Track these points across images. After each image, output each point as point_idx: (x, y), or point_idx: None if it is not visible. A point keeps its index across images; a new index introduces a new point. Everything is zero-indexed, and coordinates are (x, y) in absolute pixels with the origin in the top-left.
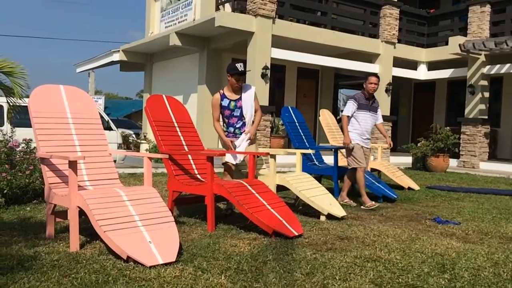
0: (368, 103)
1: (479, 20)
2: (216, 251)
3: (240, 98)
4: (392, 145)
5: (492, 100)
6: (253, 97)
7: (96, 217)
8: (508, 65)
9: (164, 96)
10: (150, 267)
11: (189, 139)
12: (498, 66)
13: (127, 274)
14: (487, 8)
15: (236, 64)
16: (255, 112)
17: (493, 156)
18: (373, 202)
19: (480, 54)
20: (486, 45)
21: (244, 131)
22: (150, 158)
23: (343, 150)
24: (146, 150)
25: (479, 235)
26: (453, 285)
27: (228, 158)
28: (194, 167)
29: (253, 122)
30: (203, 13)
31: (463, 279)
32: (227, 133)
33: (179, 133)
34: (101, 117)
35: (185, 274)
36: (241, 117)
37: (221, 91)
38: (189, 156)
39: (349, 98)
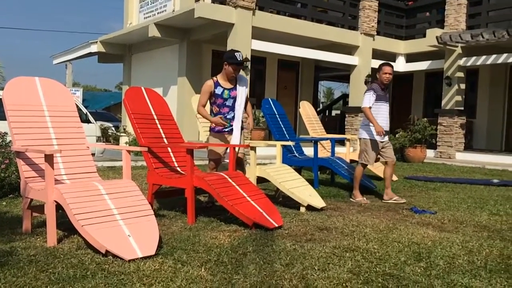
0: (384, 94)
1: (456, 12)
2: (196, 244)
3: (234, 88)
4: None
5: (468, 92)
6: (247, 89)
7: (73, 211)
8: (483, 57)
9: (143, 88)
10: (129, 260)
11: (168, 131)
12: (474, 58)
13: (106, 268)
14: (464, 0)
15: (235, 54)
16: (245, 103)
17: (469, 147)
18: (365, 199)
19: (457, 46)
20: (463, 37)
21: (233, 124)
22: (129, 151)
23: (323, 142)
24: (126, 143)
25: (454, 224)
26: (429, 273)
27: (214, 155)
28: (174, 160)
29: (244, 117)
30: (182, 4)
31: (438, 267)
32: (214, 126)
33: (159, 125)
34: (79, 109)
35: (164, 267)
36: (233, 108)
37: (215, 78)
38: (169, 149)
39: (366, 90)
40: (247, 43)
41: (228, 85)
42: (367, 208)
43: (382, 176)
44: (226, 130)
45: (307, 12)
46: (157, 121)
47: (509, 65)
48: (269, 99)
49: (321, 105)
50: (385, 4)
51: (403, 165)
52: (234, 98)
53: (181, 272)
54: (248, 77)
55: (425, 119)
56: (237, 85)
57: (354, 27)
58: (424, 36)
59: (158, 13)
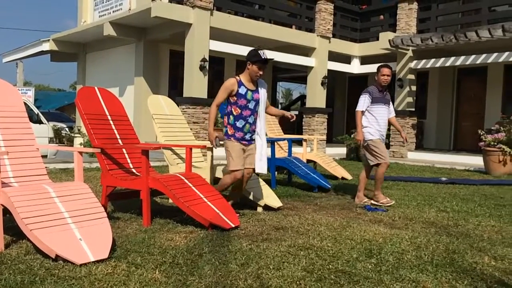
0: (382, 96)
1: (407, 17)
2: (151, 246)
3: (257, 91)
4: (407, 140)
5: (419, 93)
6: (266, 94)
7: (21, 215)
8: (433, 60)
9: (96, 88)
10: (81, 265)
11: (123, 132)
12: (424, 61)
13: (56, 274)
14: (415, 5)
15: (259, 51)
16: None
17: (419, 146)
18: (388, 199)
19: (408, 50)
20: (413, 41)
21: (254, 129)
22: (82, 153)
23: (280, 142)
24: (81, 144)
25: (404, 220)
26: (379, 269)
27: (236, 164)
28: (129, 161)
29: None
30: (139, 3)
31: (388, 263)
32: (234, 132)
33: (113, 126)
34: (30, 110)
35: (117, 271)
36: (255, 112)
37: (238, 77)
38: (124, 150)
39: (362, 92)
40: (205, 43)
41: (252, 87)
42: (322, 207)
43: (338, 175)
44: (247, 140)
45: (265, 13)
46: (111, 122)
47: (456, 68)
48: None
49: (279, 105)
50: (340, 7)
51: (358, 164)
52: (257, 101)
53: (135, 275)
54: (206, 78)
55: None
56: (258, 87)
57: (310, 29)
58: (378, 39)
59: (113, 11)
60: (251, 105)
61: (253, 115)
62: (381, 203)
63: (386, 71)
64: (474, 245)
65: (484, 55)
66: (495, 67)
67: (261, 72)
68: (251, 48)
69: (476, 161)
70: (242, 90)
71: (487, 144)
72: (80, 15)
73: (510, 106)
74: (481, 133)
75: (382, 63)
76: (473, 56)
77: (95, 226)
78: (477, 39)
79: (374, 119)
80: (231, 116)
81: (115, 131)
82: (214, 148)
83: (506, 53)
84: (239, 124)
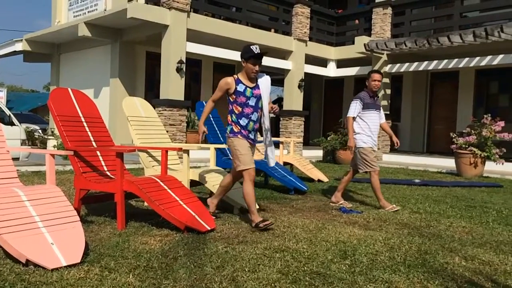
0: (373, 101)
1: (382, 21)
2: (125, 250)
3: (257, 87)
4: (399, 144)
5: (394, 97)
6: (269, 88)
7: None
8: (407, 64)
9: (69, 89)
10: (52, 270)
11: (97, 134)
12: (398, 65)
13: (26, 279)
14: (389, 10)
15: (251, 47)
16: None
17: (394, 149)
18: (394, 205)
19: (383, 54)
20: (388, 45)
21: (257, 127)
22: (53, 155)
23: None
24: (54, 146)
25: (379, 222)
26: (353, 270)
27: (247, 161)
28: (103, 163)
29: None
30: (114, 3)
31: (362, 264)
32: (239, 128)
33: (87, 128)
34: (1, 111)
35: (90, 275)
36: (257, 108)
37: (235, 76)
38: (98, 153)
39: (353, 98)
40: (182, 45)
41: (251, 84)
42: (298, 209)
43: (314, 178)
44: (252, 139)
45: (242, 16)
46: (85, 124)
47: (429, 72)
48: (204, 101)
49: None
50: (316, 11)
51: (334, 166)
52: (257, 98)
53: (108, 279)
54: (183, 80)
55: None
56: (259, 83)
57: (287, 33)
58: (353, 43)
59: (88, 12)
60: (252, 102)
61: (256, 112)
62: (387, 209)
63: (377, 76)
64: (445, 246)
65: (456, 60)
66: (466, 71)
67: (256, 68)
68: (229, 50)
69: (449, 163)
70: (240, 88)
71: (459, 146)
72: (54, 15)
73: (480, 110)
74: (453, 136)
75: (373, 69)
76: (445, 61)
77: (67, 230)
78: (449, 44)
79: (366, 125)
80: (233, 115)
81: (89, 133)
82: (200, 140)
83: (477, 58)
84: (242, 122)
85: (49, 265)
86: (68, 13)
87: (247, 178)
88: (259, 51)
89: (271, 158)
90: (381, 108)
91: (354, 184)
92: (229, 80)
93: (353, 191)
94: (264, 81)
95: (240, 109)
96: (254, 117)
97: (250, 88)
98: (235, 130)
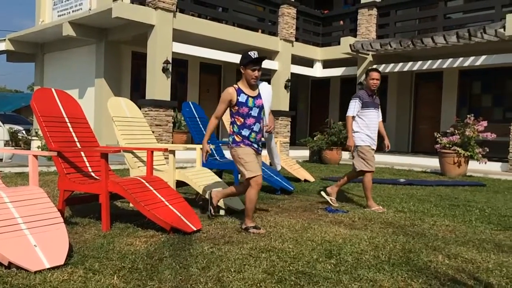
0: (372, 100)
1: (367, 22)
2: (110, 251)
3: (259, 96)
4: (389, 147)
5: (379, 97)
6: (271, 96)
7: None
8: (392, 65)
9: (53, 89)
10: (35, 272)
11: (81, 135)
12: (383, 65)
13: (9, 281)
14: (374, 11)
15: (249, 53)
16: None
17: (380, 148)
18: (380, 207)
19: (368, 54)
20: (373, 46)
21: (260, 138)
22: (37, 156)
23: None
24: (38, 147)
25: (364, 221)
26: (338, 269)
27: (254, 169)
28: (87, 164)
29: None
30: (99, 3)
31: (347, 263)
32: (241, 138)
33: (71, 129)
34: None
35: (74, 277)
36: (259, 119)
37: (236, 85)
38: (82, 153)
39: (352, 97)
40: (168, 45)
41: (252, 93)
42: (284, 209)
43: (301, 178)
44: (256, 149)
45: (228, 16)
46: (69, 124)
47: (414, 73)
48: (190, 102)
49: None
50: (302, 11)
51: (321, 166)
52: (260, 108)
53: (92, 281)
54: (169, 80)
55: (341, 122)
56: (260, 92)
57: (274, 33)
58: (339, 43)
59: (73, 11)
60: (254, 112)
61: (259, 122)
62: (373, 210)
63: (375, 75)
64: (429, 244)
65: (439, 61)
66: (450, 72)
67: (256, 74)
68: (215, 50)
69: (433, 162)
70: (242, 98)
71: (443, 146)
72: (38, 14)
73: (464, 110)
74: (437, 136)
75: (371, 67)
76: (429, 62)
77: (50, 232)
78: (433, 45)
79: (364, 123)
80: (235, 126)
81: (73, 134)
82: (203, 161)
83: (460, 59)
84: (245, 133)
85: (32, 268)
86: (52, 13)
87: (254, 185)
88: (257, 56)
89: (278, 164)
90: (379, 107)
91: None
92: (231, 90)
93: (339, 191)
94: (265, 90)
95: (242, 120)
96: (256, 127)
97: (252, 97)
98: (237, 140)
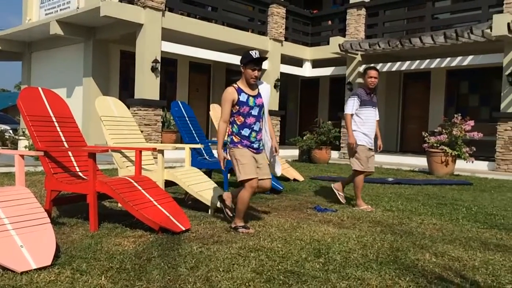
0: (370, 98)
1: (356, 22)
2: (97, 251)
3: (259, 95)
4: (381, 148)
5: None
6: (269, 97)
7: None
8: (380, 64)
9: (40, 88)
10: (22, 273)
11: (69, 134)
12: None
13: None
14: (363, 11)
15: (250, 52)
16: None
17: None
18: (369, 206)
19: (357, 54)
20: (362, 45)
21: (260, 137)
22: (23, 156)
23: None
24: (25, 147)
25: (352, 220)
26: (327, 268)
27: (249, 171)
28: (75, 164)
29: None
30: (87, 1)
31: (335, 262)
32: (240, 139)
33: (58, 128)
34: None
35: (61, 278)
36: (259, 118)
37: (235, 85)
38: (70, 153)
39: (350, 95)
40: (157, 44)
41: (252, 92)
42: (273, 208)
43: (290, 177)
44: (256, 149)
45: (218, 15)
46: (56, 123)
47: (402, 73)
48: (178, 101)
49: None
50: (292, 11)
51: (310, 165)
52: (260, 107)
53: (79, 282)
54: (158, 79)
55: (330, 122)
56: (259, 91)
57: (263, 32)
58: (328, 43)
59: (60, 9)
60: (255, 111)
61: (259, 122)
62: (361, 209)
63: (373, 73)
64: (416, 243)
65: (427, 61)
66: (437, 72)
67: (256, 74)
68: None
69: (421, 162)
70: (243, 97)
71: (431, 145)
72: (25, 12)
73: (451, 109)
74: (425, 135)
75: (369, 65)
76: (417, 61)
77: (37, 232)
78: (421, 45)
79: (362, 122)
80: (235, 125)
81: (60, 133)
82: (222, 169)
83: (448, 59)
84: (245, 132)
85: (19, 268)
86: (39, 11)
87: (248, 187)
88: (258, 56)
89: (277, 168)
90: (377, 105)
91: (330, 183)
92: (231, 90)
93: (329, 190)
94: (265, 90)
95: (242, 119)
96: (256, 127)
97: (253, 97)
98: (235, 140)
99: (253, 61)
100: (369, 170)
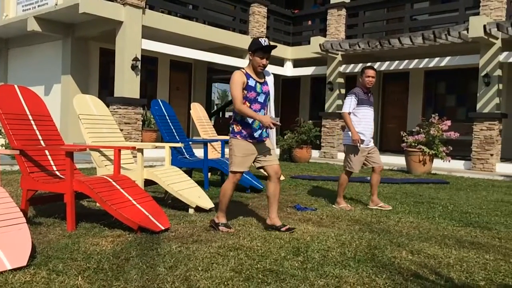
0: (367, 97)
1: (336, 22)
2: (74, 252)
3: (265, 83)
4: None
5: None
6: (273, 88)
7: None
8: (360, 64)
9: (15, 86)
10: None
11: (46, 133)
12: (352, 65)
13: None
14: (343, 11)
15: (260, 39)
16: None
17: None
18: (348, 205)
19: (337, 54)
20: (342, 46)
21: (266, 131)
22: None
23: (214, 143)
24: (2, 145)
25: (331, 219)
26: (305, 267)
27: (239, 164)
28: (52, 163)
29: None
30: None
31: (313, 260)
32: (241, 129)
33: (34, 126)
34: None
35: (37, 279)
36: (264, 105)
37: (243, 69)
38: (46, 152)
39: (348, 94)
40: (137, 42)
41: (259, 79)
42: (254, 207)
43: None
44: (257, 138)
45: (199, 14)
46: (32, 122)
47: (382, 73)
48: (159, 100)
49: (215, 106)
50: (273, 11)
51: (290, 165)
52: (266, 94)
53: (55, 282)
54: (138, 78)
55: (311, 121)
56: (267, 80)
57: (244, 31)
58: (309, 43)
59: (38, 6)
60: (261, 98)
61: (263, 109)
62: (340, 207)
63: (370, 72)
64: (393, 241)
65: (406, 61)
66: (416, 72)
67: (264, 62)
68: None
69: (399, 161)
70: (251, 82)
71: (409, 145)
72: (2, 8)
73: (429, 110)
74: (403, 135)
75: (367, 65)
76: (396, 62)
77: (12, 232)
78: (400, 45)
79: (358, 120)
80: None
81: (37, 132)
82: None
83: (426, 60)
84: (248, 119)
85: None
86: (16, 7)
87: (231, 178)
88: (268, 44)
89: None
90: (373, 104)
91: (310, 182)
92: (240, 73)
93: (309, 189)
94: (270, 80)
95: (248, 105)
96: (261, 114)
97: (260, 83)
98: (236, 130)
99: (262, 49)
100: (354, 171)
